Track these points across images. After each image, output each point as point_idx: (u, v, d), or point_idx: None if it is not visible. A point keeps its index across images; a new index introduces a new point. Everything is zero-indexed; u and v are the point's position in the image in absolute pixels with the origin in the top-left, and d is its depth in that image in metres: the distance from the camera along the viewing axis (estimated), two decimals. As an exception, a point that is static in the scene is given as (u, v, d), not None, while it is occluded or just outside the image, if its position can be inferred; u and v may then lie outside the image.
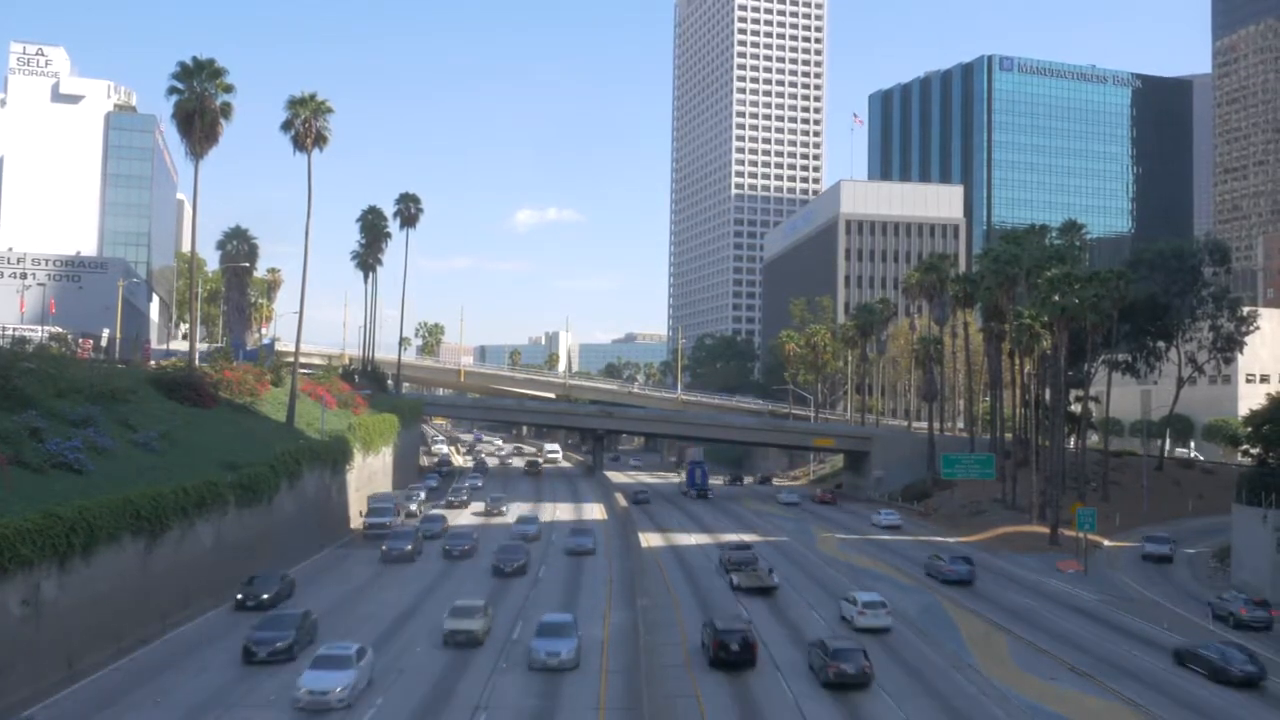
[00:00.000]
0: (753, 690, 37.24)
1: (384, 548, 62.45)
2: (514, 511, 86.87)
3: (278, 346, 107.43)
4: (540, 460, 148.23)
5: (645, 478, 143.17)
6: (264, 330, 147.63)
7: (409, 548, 62.11)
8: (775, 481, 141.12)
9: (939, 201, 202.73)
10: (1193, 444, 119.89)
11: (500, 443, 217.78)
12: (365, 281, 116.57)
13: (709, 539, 77.70)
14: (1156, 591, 61.70)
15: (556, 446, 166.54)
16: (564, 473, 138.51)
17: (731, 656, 39.09)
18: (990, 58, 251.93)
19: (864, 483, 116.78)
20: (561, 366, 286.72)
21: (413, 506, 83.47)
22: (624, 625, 45.12)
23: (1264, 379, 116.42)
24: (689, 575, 61.50)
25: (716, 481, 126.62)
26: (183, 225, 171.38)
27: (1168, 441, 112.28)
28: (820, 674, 37.72)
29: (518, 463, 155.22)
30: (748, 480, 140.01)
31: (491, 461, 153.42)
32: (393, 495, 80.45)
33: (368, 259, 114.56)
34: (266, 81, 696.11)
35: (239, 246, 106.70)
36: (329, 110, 73.93)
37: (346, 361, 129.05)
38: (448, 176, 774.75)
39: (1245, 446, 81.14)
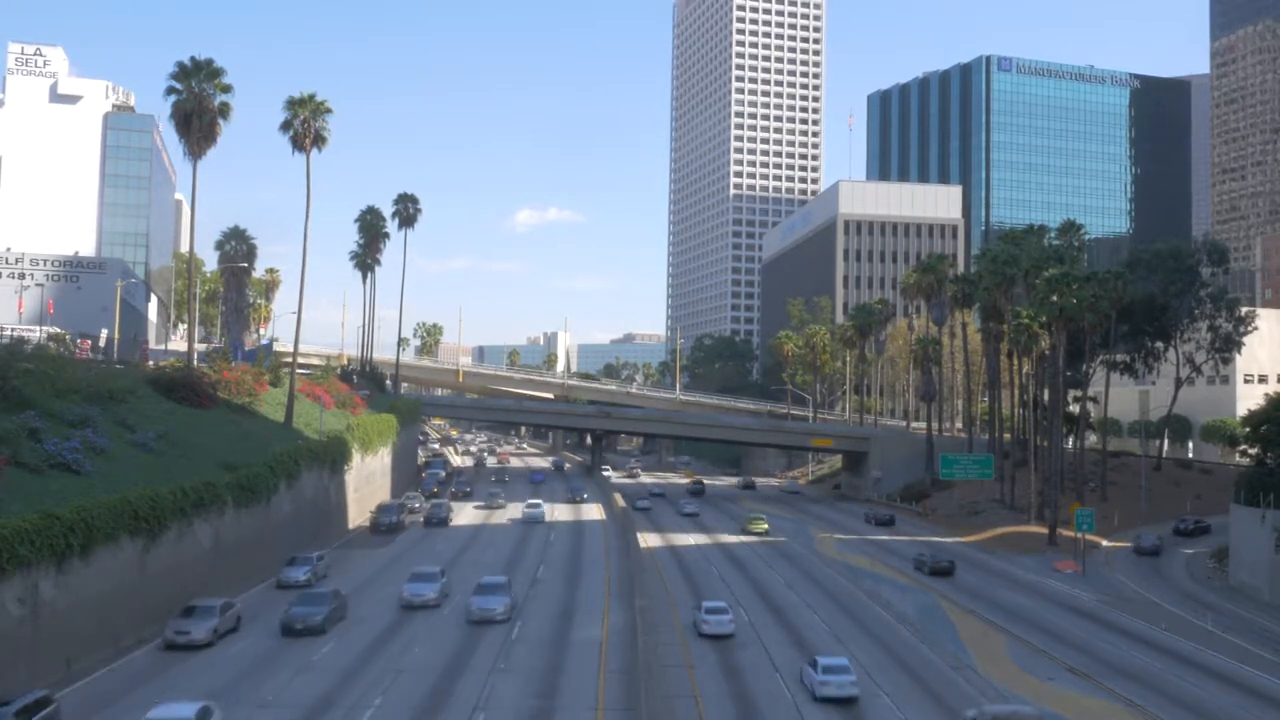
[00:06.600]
0: (753, 691, 37.28)
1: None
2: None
3: (276, 347, 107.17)
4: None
5: (645, 479, 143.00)
6: (262, 330, 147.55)
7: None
8: (767, 481, 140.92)
9: (937, 202, 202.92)
10: (1190, 444, 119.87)
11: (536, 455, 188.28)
12: (364, 282, 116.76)
13: (707, 539, 78.06)
14: (1154, 591, 61.85)
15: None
16: (563, 473, 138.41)
17: None
18: (988, 58, 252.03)
19: (862, 483, 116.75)
20: (560, 367, 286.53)
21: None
22: (622, 625, 45.15)
23: (1262, 379, 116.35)
24: (687, 575, 61.55)
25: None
26: (181, 225, 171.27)
27: (1166, 442, 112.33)
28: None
29: (516, 463, 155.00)
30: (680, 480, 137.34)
31: (517, 464, 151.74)
32: (215, 605, 41.83)
33: (366, 259, 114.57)
34: (266, 81, 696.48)
35: (237, 247, 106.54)
36: (328, 111, 73.94)
37: (345, 362, 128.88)
38: (447, 176, 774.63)
39: (1243, 447, 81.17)
